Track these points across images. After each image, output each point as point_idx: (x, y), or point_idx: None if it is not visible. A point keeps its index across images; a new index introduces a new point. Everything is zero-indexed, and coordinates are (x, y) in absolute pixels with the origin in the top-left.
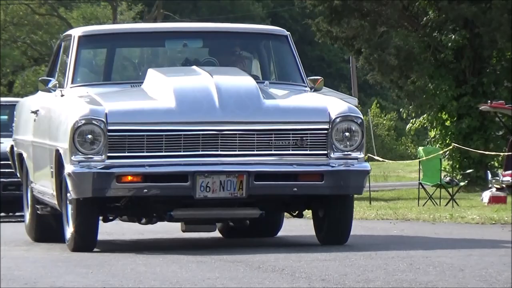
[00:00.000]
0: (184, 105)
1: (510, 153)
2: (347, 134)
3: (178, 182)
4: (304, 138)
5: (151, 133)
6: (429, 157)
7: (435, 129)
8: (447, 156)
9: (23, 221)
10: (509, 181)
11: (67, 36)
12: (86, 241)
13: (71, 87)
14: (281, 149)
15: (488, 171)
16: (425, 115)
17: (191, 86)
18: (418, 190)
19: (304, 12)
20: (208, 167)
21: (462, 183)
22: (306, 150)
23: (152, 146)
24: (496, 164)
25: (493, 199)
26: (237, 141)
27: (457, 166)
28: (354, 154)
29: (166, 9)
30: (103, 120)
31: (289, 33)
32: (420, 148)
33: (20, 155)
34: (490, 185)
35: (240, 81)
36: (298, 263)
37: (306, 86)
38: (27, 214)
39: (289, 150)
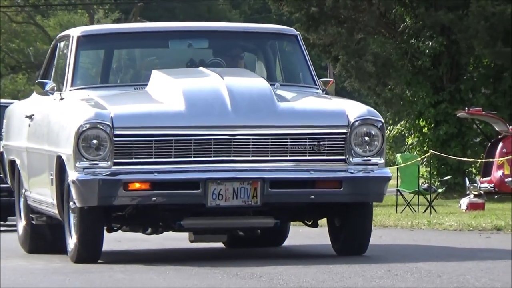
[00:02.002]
0: (195, 108)
1: (487, 159)
2: (366, 138)
3: (188, 189)
4: (321, 142)
5: (160, 138)
6: (407, 164)
7: (412, 136)
8: (425, 163)
9: (16, 230)
10: (487, 187)
11: (64, 36)
12: (90, 252)
13: (70, 90)
14: (297, 155)
15: (466, 178)
16: (402, 122)
17: (201, 88)
18: (396, 197)
19: (281, 19)
20: (220, 174)
21: (440, 190)
22: (324, 155)
23: (161, 151)
24: (474, 171)
25: (471, 206)
26: (251, 146)
27: (435, 172)
28: (374, 160)
29: (143, 17)
30: (109, 124)
31: (298, 32)
32: (398, 155)
33: (12, 162)
34: (468, 192)
35: (252, 83)
36: (276, 270)
37: (318, 88)
38: (20, 225)
39: (305, 156)
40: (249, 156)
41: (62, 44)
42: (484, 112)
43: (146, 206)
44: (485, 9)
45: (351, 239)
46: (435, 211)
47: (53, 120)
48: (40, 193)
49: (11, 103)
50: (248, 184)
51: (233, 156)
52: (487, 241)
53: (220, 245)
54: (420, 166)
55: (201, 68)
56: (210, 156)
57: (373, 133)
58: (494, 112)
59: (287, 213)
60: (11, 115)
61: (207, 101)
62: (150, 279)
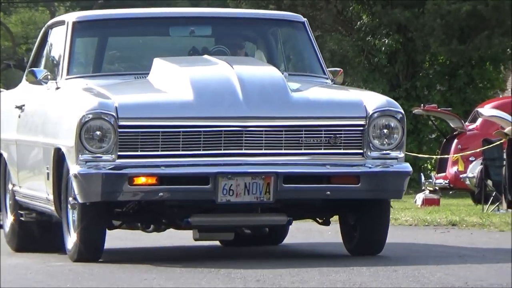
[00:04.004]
0: (204, 98)
1: (442, 156)
2: (385, 131)
3: (198, 184)
4: (337, 135)
5: (167, 129)
6: None
7: None
8: None
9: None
10: (442, 183)
11: (57, 22)
12: (91, 250)
13: (66, 79)
14: (312, 148)
15: (422, 174)
16: None
17: (210, 77)
18: None
19: None
20: (231, 168)
21: None
22: (340, 149)
23: (168, 144)
24: (429, 167)
25: (426, 201)
26: (264, 139)
27: None
28: (393, 154)
29: None
30: (114, 114)
31: (306, 19)
32: None
33: None
34: (423, 188)
35: (264, 72)
36: (234, 264)
37: (327, 78)
38: (7, 221)
39: (321, 149)
40: (261, 149)
41: (54, 30)
42: (439, 109)
43: (151, 202)
44: (440, 7)
45: (366, 238)
46: (391, 207)
47: (49, 110)
48: (32, 188)
49: None
50: (260, 179)
51: (245, 149)
52: (442, 237)
53: (216, 243)
54: None
55: (206, 56)
56: (221, 149)
57: (392, 125)
58: (449, 108)
59: (300, 210)
60: None
61: (216, 91)
62: (110, 272)
